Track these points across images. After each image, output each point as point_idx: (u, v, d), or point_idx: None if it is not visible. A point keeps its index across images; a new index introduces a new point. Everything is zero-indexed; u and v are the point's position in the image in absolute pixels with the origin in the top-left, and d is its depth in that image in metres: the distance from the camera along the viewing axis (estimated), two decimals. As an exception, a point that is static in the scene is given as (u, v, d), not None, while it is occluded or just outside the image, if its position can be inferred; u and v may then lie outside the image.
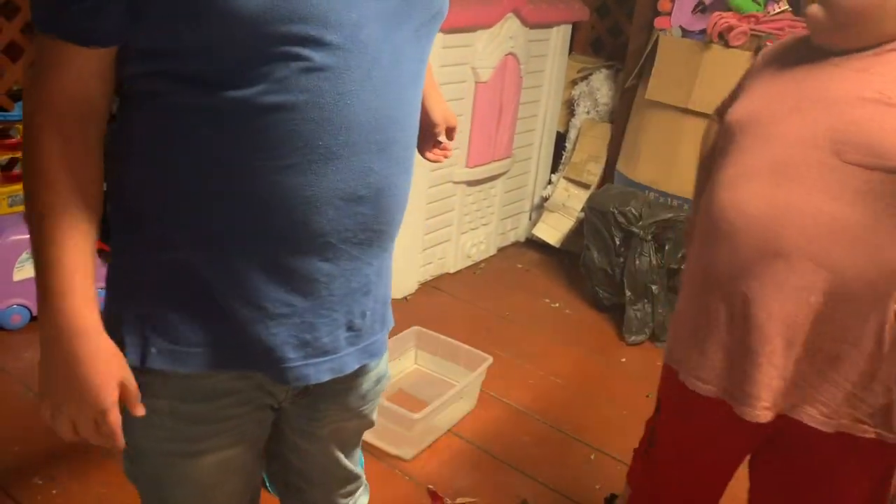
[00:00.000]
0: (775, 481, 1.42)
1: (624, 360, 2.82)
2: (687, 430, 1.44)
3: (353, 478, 1.25)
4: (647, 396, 2.56)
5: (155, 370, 0.92)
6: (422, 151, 1.24)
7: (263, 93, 0.81)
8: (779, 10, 2.94)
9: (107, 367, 0.85)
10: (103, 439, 0.88)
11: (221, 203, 0.86)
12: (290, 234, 0.87)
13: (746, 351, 1.25)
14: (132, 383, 0.88)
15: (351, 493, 1.28)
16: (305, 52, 0.81)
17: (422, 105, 1.02)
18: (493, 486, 2.09)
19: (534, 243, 3.70)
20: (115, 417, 0.87)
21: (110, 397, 0.85)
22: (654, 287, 2.90)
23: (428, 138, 1.24)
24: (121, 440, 0.88)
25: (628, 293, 2.93)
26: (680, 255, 2.88)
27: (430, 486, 1.97)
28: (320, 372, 0.96)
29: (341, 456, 1.19)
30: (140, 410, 0.89)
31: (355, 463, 1.25)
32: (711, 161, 1.39)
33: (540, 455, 2.24)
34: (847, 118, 1.15)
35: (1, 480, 1.92)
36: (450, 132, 1.27)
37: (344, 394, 1.08)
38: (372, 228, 0.92)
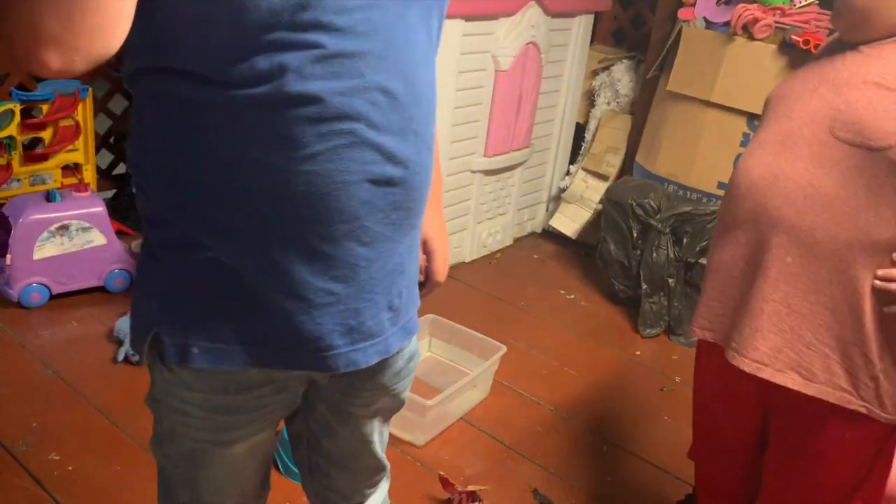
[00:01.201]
0: (775, 445, 1.52)
1: (639, 353, 2.81)
2: (705, 376, 1.61)
3: (380, 468, 1.25)
4: (662, 390, 2.56)
5: (190, 368, 0.93)
6: None
7: (283, 85, 0.81)
8: (805, 3, 2.89)
9: None
10: None
11: (255, 199, 0.86)
12: (327, 222, 0.87)
13: (735, 301, 1.43)
14: None
15: (376, 484, 1.28)
16: (320, 38, 0.81)
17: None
18: (504, 474, 2.10)
19: (550, 234, 3.69)
20: None
21: None
22: (670, 280, 2.88)
23: None
24: None
25: (644, 286, 2.91)
26: (697, 249, 2.86)
27: (442, 473, 1.98)
28: (369, 355, 0.97)
29: (374, 439, 1.19)
30: None
31: (383, 451, 1.24)
32: None
33: (551, 445, 2.24)
34: (845, 98, 1.28)
35: (19, 455, 1.95)
36: (429, 285, 1.23)
37: (380, 372, 1.08)
38: (403, 207, 0.93)
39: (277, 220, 0.86)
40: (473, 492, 1.93)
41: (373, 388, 1.10)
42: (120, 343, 2.41)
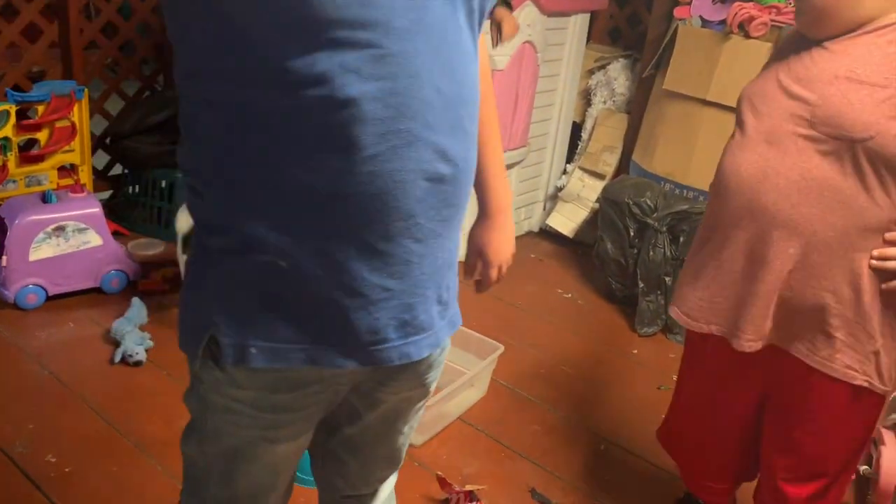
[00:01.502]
0: (774, 421, 1.58)
1: (636, 351, 2.82)
2: (701, 372, 1.67)
3: (395, 459, 1.26)
4: (659, 388, 2.56)
5: (244, 368, 0.94)
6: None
7: (343, 85, 0.82)
8: (801, 1, 2.89)
9: None
10: None
11: (315, 200, 0.87)
12: (384, 220, 0.89)
13: (738, 294, 1.47)
14: None
15: (385, 478, 1.29)
16: (377, 38, 0.82)
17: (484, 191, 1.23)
18: (502, 473, 2.10)
19: (547, 233, 3.69)
20: None
21: None
22: (667, 279, 2.88)
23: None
24: None
25: (641, 284, 2.91)
26: (694, 248, 2.86)
27: (439, 473, 1.98)
28: (421, 348, 1.00)
29: (398, 427, 1.19)
30: None
31: (405, 444, 1.25)
32: None
33: (549, 444, 2.24)
34: (820, 93, 1.34)
35: (15, 457, 1.95)
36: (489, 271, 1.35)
37: (418, 363, 1.08)
38: (452, 204, 0.95)
39: (337, 220, 0.88)
40: (471, 491, 1.94)
41: (407, 378, 1.11)
42: (117, 344, 2.40)
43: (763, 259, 1.42)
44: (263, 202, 0.88)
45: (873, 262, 1.36)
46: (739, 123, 1.47)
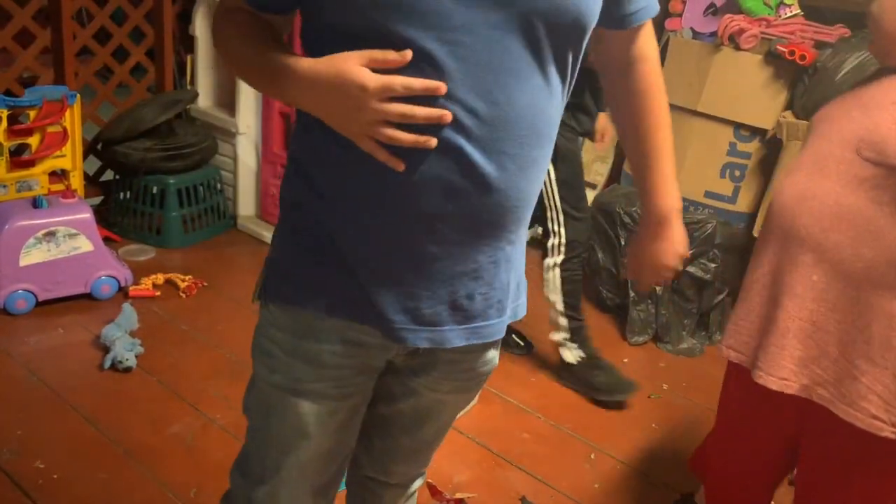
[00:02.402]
0: (807, 470, 1.48)
1: (626, 360, 2.82)
2: (733, 397, 1.59)
3: (420, 459, 1.34)
4: (650, 397, 2.56)
5: (280, 305, 1.06)
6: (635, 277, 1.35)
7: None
8: (790, 14, 2.93)
9: (338, 57, 0.91)
10: (402, 113, 0.91)
11: (360, 178, 0.97)
12: (406, 215, 0.97)
13: (761, 320, 1.42)
14: (375, 53, 0.91)
15: (407, 476, 1.36)
16: (419, 45, 0.89)
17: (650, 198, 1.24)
18: (493, 482, 2.10)
19: (539, 242, 3.69)
20: (380, 83, 0.89)
21: (360, 71, 0.89)
22: (657, 288, 2.90)
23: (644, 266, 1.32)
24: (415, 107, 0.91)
25: (632, 294, 2.93)
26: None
27: (430, 481, 1.97)
28: (418, 339, 1.04)
29: (430, 427, 1.26)
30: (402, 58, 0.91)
31: (435, 443, 1.31)
32: None
33: (540, 452, 2.24)
34: (872, 119, 1.29)
35: (3, 464, 1.94)
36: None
37: (452, 364, 1.15)
38: (480, 219, 0.99)
39: (373, 201, 0.98)
40: (462, 499, 1.94)
41: (441, 377, 1.16)
42: (106, 350, 2.39)
43: (786, 284, 1.36)
44: (324, 173, 1.01)
45: None
46: (802, 147, 1.45)
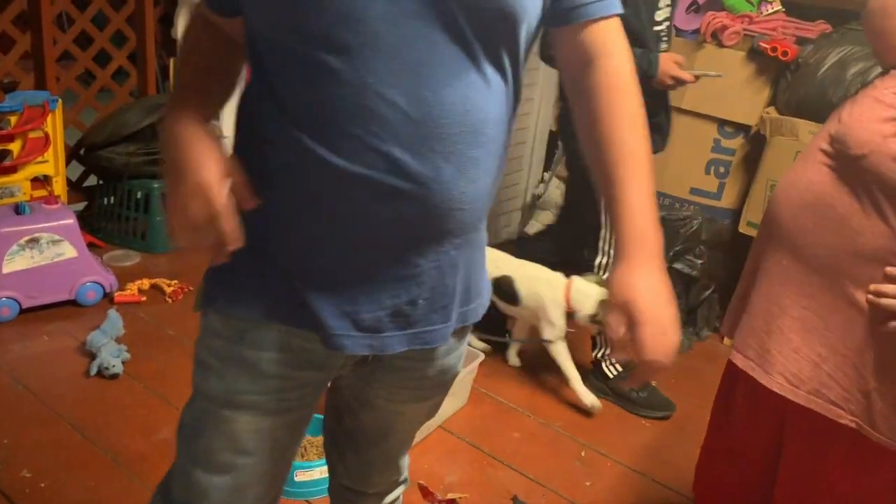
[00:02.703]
0: (786, 467, 1.48)
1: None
2: (731, 400, 1.58)
3: (392, 470, 1.33)
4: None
5: (218, 312, 1.01)
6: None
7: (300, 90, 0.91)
8: (772, 11, 2.95)
9: (204, 147, 0.91)
10: (216, 225, 0.89)
11: (288, 176, 0.94)
12: (341, 217, 0.93)
13: (742, 304, 1.46)
14: (237, 176, 0.92)
15: (384, 487, 1.35)
16: (321, 55, 0.87)
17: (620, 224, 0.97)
18: (484, 481, 2.10)
19: (526, 241, 3.70)
20: (219, 194, 0.88)
21: (209, 171, 0.89)
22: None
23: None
24: (236, 232, 0.90)
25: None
26: (671, 254, 2.89)
27: (421, 482, 1.97)
28: (358, 346, 1.00)
29: (392, 439, 1.24)
30: (251, 203, 0.93)
31: (399, 459, 1.31)
32: None
33: (530, 451, 2.24)
34: (849, 111, 1.33)
35: (-11, 473, 1.92)
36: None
37: (402, 371, 1.11)
38: (418, 222, 0.94)
39: (305, 204, 0.94)
40: (453, 500, 1.93)
41: (393, 386, 1.13)
42: (93, 356, 2.37)
43: (760, 267, 1.43)
44: (249, 174, 0.95)
45: (869, 296, 1.28)
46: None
